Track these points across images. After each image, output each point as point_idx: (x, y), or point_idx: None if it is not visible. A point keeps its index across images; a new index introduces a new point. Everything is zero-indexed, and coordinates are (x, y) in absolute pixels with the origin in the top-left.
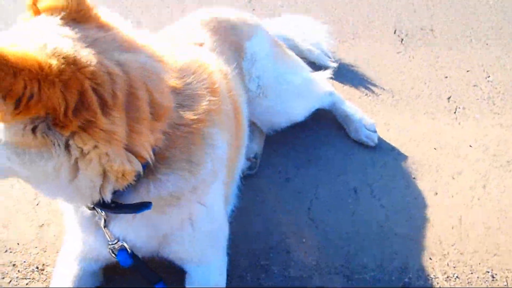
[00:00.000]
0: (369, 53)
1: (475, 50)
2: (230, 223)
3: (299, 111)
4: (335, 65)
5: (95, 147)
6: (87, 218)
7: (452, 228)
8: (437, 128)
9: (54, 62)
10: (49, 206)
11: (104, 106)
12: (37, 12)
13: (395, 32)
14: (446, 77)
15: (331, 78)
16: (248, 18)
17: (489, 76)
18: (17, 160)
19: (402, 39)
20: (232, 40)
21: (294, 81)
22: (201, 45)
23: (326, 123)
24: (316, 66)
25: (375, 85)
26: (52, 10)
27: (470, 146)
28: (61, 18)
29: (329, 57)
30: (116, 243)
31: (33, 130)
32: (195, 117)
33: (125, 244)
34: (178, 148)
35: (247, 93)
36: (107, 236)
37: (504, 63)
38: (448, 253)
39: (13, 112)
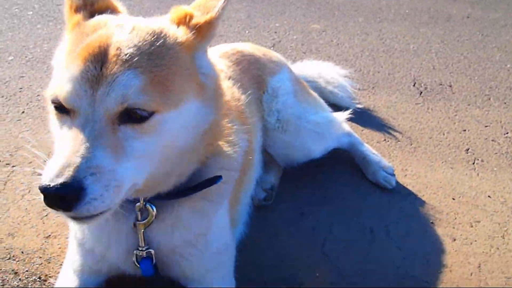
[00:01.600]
0: (389, 102)
1: (494, 108)
2: (241, 252)
3: (317, 148)
4: (356, 107)
5: None
6: (110, 224)
7: (471, 274)
8: (455, 177)
9: None
10: (58, 218)
11: None
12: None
13: (414, 85)
14: (465, 130)
15: (351, 120)
16: (273, 56)
17: (507, 133)
18: None
19: (421, 92)
20: (254, 73)
21: (314, 119)
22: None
23: (343, 163)
24: (336, 109)
25: (393, 132)
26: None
27: (489, 196)
28: None
29: (350, 101)
30: (146, 249)
31: None
32: None
33: (152, 252)
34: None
35: (264, 124)
36: (141, 241)
37: None
38: None
39: None
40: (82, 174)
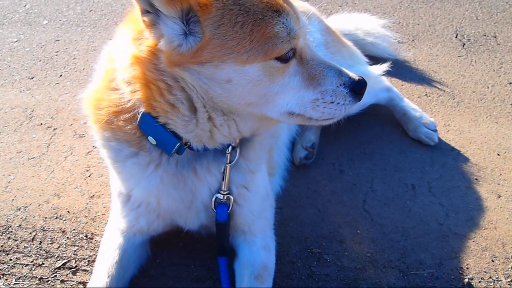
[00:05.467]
0: (430, 54)
1: None
2: (280, 209)
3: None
4: (397, 58)
5: None
6: (165, 177)
7: None
8: (501, 132)
9: None
10: (100, 178)
11: None
12: None
13: (456, 37)
14: (511, 83)
15: (390, 74)
16: (300, 6)
17: None
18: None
19: (464, 44)
20: None
21: None
22: None
23: (383, 118)
24: (375, 61)
25: (435, 85)
26: None
27: None
28: None
29: (392, 51)
30: (227, 193)
31: None
32: None
33: (232, 198)
34: None
35: None
36: (224, 184)
37: None
38: (510, 255)
39: None
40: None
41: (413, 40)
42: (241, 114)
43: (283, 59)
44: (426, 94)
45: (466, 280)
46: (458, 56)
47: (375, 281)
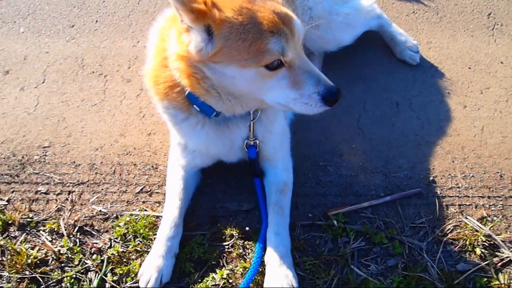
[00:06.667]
0: None
1: None
2: (294, 133)
3: (347, 37)
4: None
5: None
6: (221, 126)
7: (474, 136)
8: (474, 45)
9: None
10: (152, 117)
11: None
12: None
13: None
14: None
15: None
16: None
17: None
18: None
19: None
20: None
21: (343, 10)
22: None
23: (375, 43)
24: None
25: (422, 2)
26: None
27: (502, 63)
28: None
29: None
30: (253, 139)
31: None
32: None
33: (258, 141)
34: None
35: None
36: (251, 134)
37: None
38: (467, 157)
39: None
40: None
41: None
42: (246, 97)
43: (271, 68)
44: (413, 12)
45: (431, 178)
46: None
47: (365, 184)
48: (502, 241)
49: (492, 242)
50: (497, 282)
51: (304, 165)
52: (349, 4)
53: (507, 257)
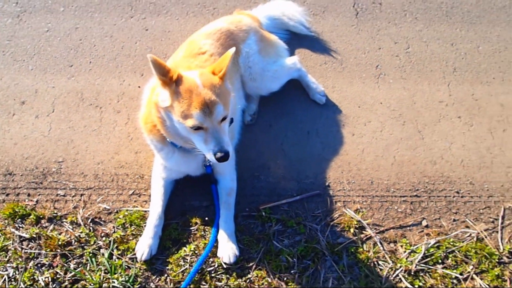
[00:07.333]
0: (333, 25)
1: (406, 24)
2: (238, 152)
3: (275, 86)
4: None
5: None
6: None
7: (357, 155)
8: (364, 90)
9: None
10: (138, 140)
11: None
12: None
13: (353, 6)
14: (380, 48)
15: (304, 47)
16: (243, 25)
17: (408, 48)
18: None
19: (357, 13)
20: (231, 44)
21: (273, 68)
22: (203, 53)
23: (295, 87)
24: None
25: (331, 55)
26: None
27: (381, 103)
28: None
29: (307, 30)
30: (209, 162)
31: None
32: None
33: (211, 163)
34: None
35: (241, 76)
36: (207, 160)
37: (423, 35)
38: (351, 169)
39: None
40: (226, 147)
41: (323, 12)
42: (187, 139)
43: (194, 128)
44: (325, 63)
45: (327, 183)
46: (351, 26)
47: (284, 188)
48: (367, 224)
49: (361, 225)
50: (361, 249)
51: (245, 175)
52: (277, 63)
53: (369, 234)
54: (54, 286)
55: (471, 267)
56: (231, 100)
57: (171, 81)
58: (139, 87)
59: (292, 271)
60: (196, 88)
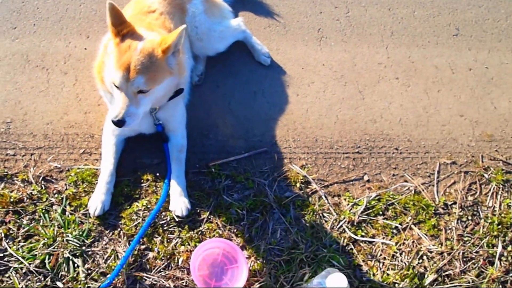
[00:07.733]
0: None
1: None
2: (187, 111)
3: (222, 46)
4: None
5: None
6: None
7: (302, 115)
8: (307, 52)
9: None
10: (87, 101)
11: None
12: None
13: None
14: (321, 12)
15: (248, 10)
16: None
17: (348, 12)
18: None
19: None
20: (178, 3)
21: (218, 28)
22: (153, 11)
23: (241, 49)
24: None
25: (275, 18)
26: None
27: (323, 65)
28: None
29: None
30: (158, 122)
31: None
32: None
33: (161, 122)
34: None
35: (188, 36)
36: (154, 119)
37: (361, 0)
38: (297, 128)
39: None
40: (125, 116)
41: None
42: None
43: (116, 86)
44: (269, 26)
45: (274, 141)
46: None
47: (232, 145)
48: (313, 179)
49: (306, 180)
50: (307, 203)
51: (194, 133)
52: (222, 24)
53: (314, 188)
54: (7, 241)
55: (409, 218)
56: (170, 79)
57: (119, 34)
58: (85, 49)
59: (241, 223)
60: (132, 50)
